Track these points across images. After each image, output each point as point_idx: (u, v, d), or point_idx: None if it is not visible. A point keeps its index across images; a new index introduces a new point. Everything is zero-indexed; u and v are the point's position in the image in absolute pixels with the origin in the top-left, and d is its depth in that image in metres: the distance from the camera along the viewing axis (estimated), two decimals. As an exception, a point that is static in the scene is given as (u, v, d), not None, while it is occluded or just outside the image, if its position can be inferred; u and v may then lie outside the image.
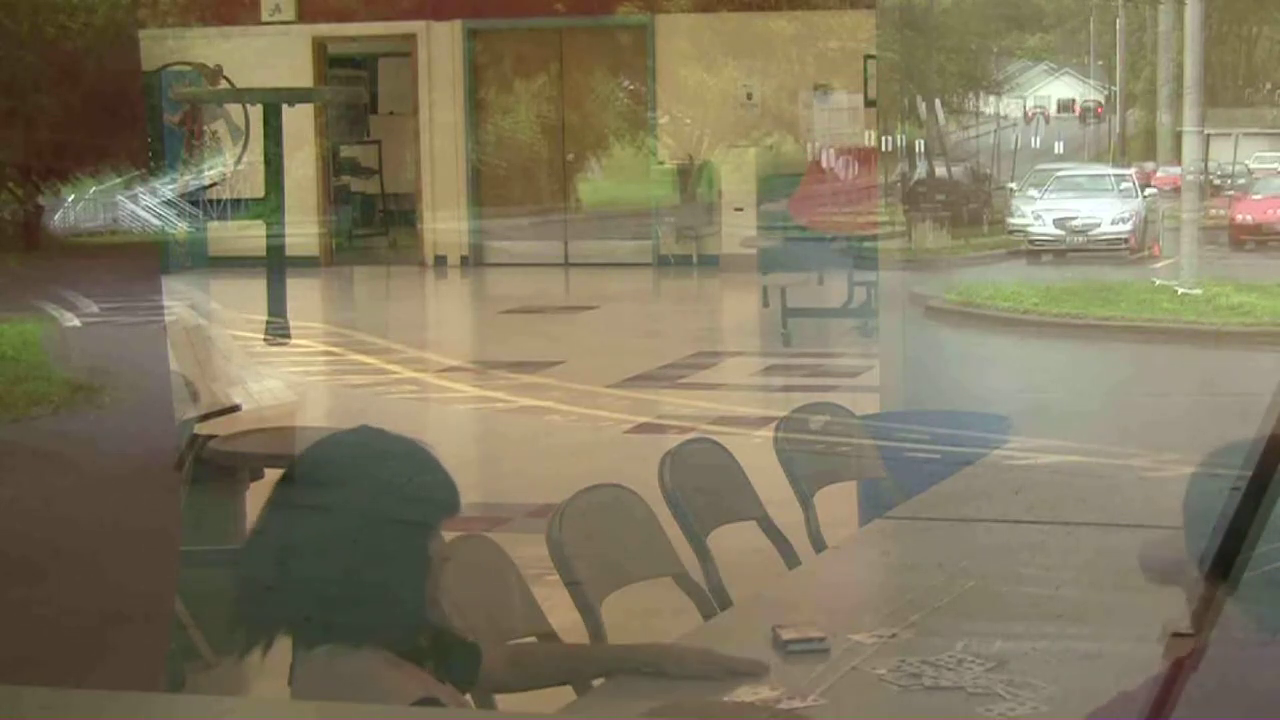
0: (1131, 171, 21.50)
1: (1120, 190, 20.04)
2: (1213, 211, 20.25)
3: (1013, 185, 21.92)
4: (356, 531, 2.72)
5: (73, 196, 11.61)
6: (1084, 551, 4.14)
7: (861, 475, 5.31)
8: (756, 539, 4.56)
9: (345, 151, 20.50)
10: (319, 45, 19.08)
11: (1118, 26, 25.62)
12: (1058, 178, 20.66)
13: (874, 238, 16.43)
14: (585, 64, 19.71)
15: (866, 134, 18.80)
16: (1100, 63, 26.79)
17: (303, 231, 17.27)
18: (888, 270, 15.22)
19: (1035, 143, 26.12)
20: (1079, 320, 14.45)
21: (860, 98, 18.31)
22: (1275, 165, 22.77)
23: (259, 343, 9.11)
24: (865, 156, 18.15)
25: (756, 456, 4.98)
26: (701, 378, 12.07)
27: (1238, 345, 13.48)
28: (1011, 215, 20.43)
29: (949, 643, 3.32)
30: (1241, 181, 22.42)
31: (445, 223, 18.99)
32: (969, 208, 21.20)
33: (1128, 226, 19.32)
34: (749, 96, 18.88)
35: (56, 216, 11.73)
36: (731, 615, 3.86)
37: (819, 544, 4.58)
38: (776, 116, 19.10)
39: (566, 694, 3.22)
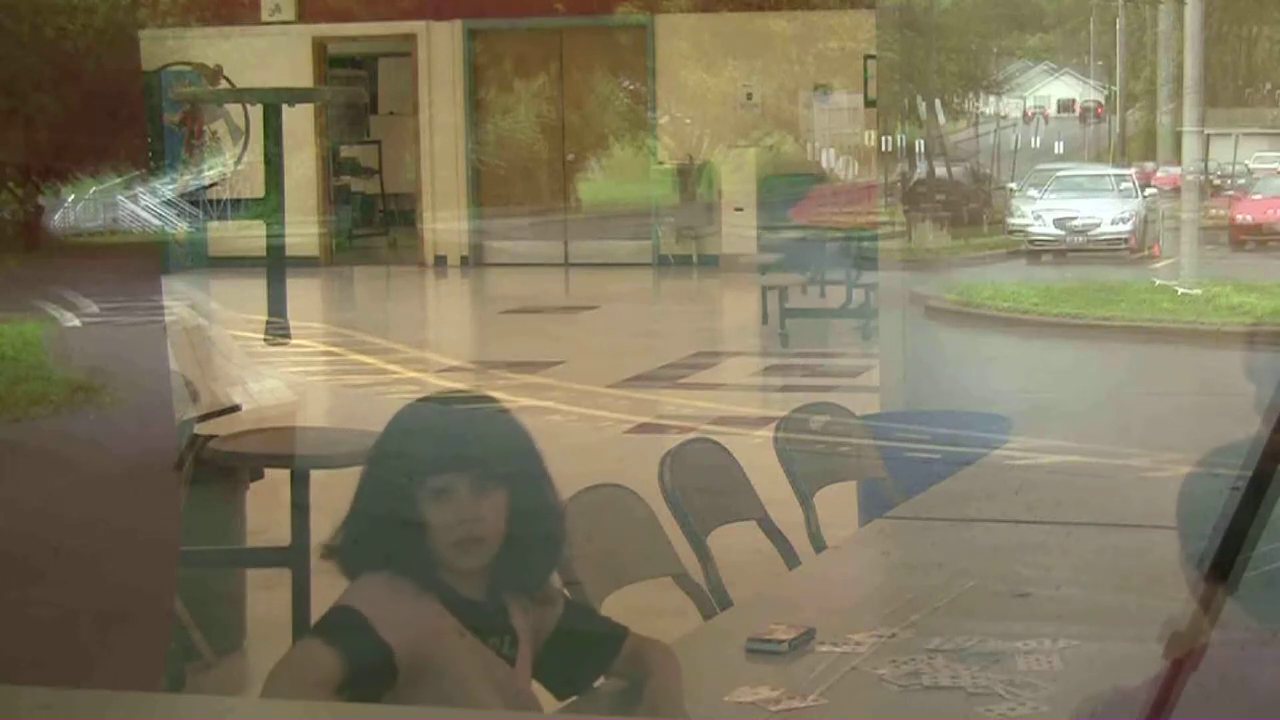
0: (1131, 171, 21.49)
1: (1120, 190, 20.03)
2: (1213, 211, 20.25)
3: (1013, 185, 21.92)
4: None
5: (73, 196, 11.61)
6: (1084, 551, 4.14)
7: (861, 475, 5.31)
8: (756, 539, 4.56)
9: (345, 151, 20.50)
10: (319, 45, 19.08)
11: (1118, 26, 25.61)
12: (1058, 178, 20.65)
13: (874, 238, 16.42)
14: (585, 64, 19.71)
15: (866, 134, 18.81)
16: (1100, 63, 26.78)
17: (303, 231, 17.27)
18: (888, 270, 15.22)
19: (1035, 143, 26.11)
20: (1079, 320, 14.45)
21: (860, 98, 18.31)
22: (1275, 165, 22.76)
23: (259, 343, 9.10)
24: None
25: (756, 456, 4.98)
26: (701, 378, 12.07)
27: (1238, 345, 13.47)
28: (1011, 215, 20.43)
29: (949, 643, 3.32)
30: (1241, 181, 22.42)
31: (445, 223, 18.99)
32: (969, 208, 21.20)
33: (1128, 226, 19.31)
34: (749, 96, 18.88)
35: (56, 216, 11.73)
36: (731, 615, 3.86)
37: (819, 544, 4.58)
38: (776, 116, 19.10)
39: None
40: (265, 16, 18.53)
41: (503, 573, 2.94)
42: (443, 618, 2.87)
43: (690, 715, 3.06)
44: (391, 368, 12.34)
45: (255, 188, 7.32)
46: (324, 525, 4.96)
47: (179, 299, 10.53)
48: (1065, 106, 27.25)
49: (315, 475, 5.13)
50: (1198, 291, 15.52)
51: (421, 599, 2.86)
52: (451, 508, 2.88)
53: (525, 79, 19.64)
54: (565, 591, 3.21)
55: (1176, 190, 19.15)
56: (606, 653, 3.09)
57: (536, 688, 3.07)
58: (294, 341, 7.64)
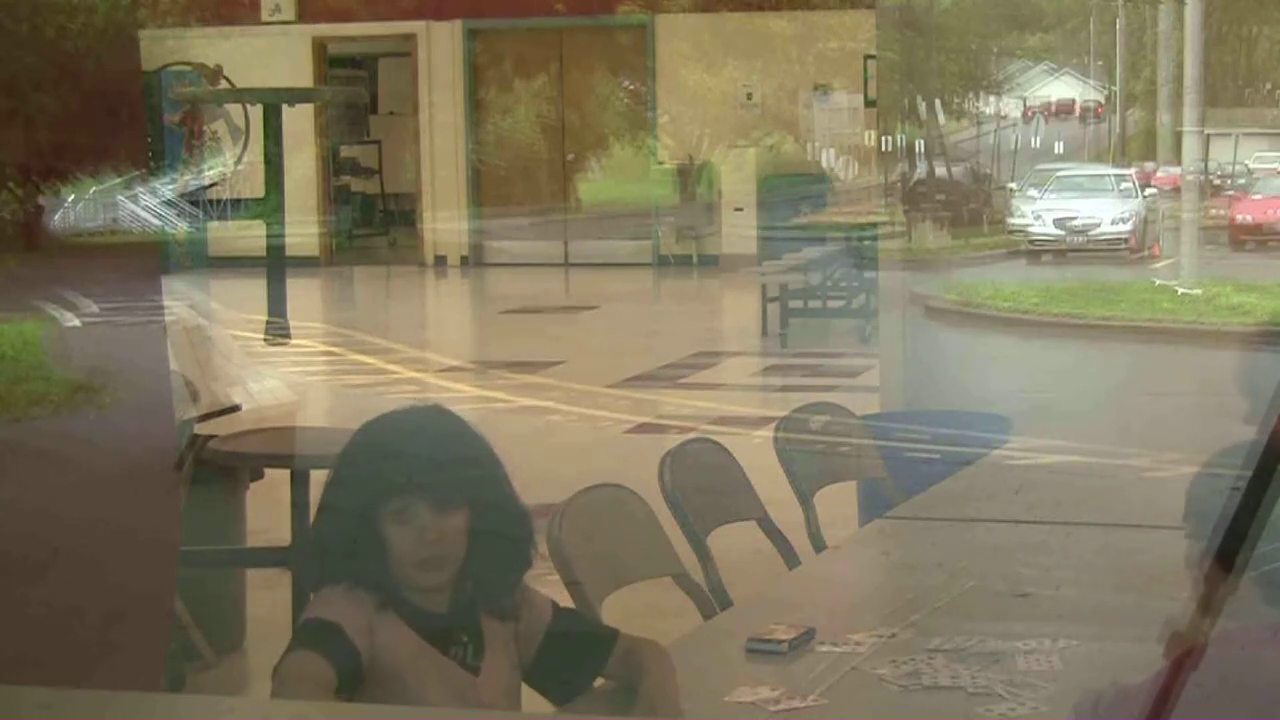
0: (1131, 171, 21.48)
1: (1120, 190, 20.03)
2: (1213, 211, 20.24)
3: (1013, 185, 21.91)
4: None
5: (73, 196, 11.60)
6: (1084, 551, 4.14)
7: (861, 475, 5.31)
8: (756, 539, 4.56)
9: (345, 151, 20.50)
10: (319, 45, 19.08)
11: (1118, 26, 25.60)
12: (1058, 178, 20.65)
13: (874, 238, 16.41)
14: (585, 64, 19.71)
15: (866, 134, 18.80)
16: (1100, 63, 26.77)
17: (303, 231, 17.27)
18: (888, 270, 15.22)
19: (1035, 143, 26.11)
20: (1079, 320, 14.45)
21: (860, 98, 18.31)
22: (1275, 165, 22.76)
23: (259, 343, 9.10)
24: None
25: (756, 456, 4.98)
26: (701, 378, 12.07)
27: (1238, 346, 13.47)
28: (1011, 215, 20.43)
29: (949, 643, 3.32)
30: (1241, 181, 22.41)
31: (445, 223, 18.99)
32: (969, 208, 21.20)
33: (1128, 226, 19.31)
34: (749, 96, 18.88)
35: (56, 216, 11.72)
36: (731, 615, 3.86)
37: (819, 544, 4.58)
38: (776, 116, 19.10)
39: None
40: (265, 16, 18.54)
41: (466, 585, 2.97)
42: (400, 629, 2.90)
43: (687, 713, 3.06)
44: (391, 368, 12.34)
45: (255, 188, 7.32)
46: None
47: (179, 299, 10.53)
48: (1065, 106, 27.25)
49: (315, 475, 5.13)
50: (1198, 291, 15.52)
51: (380, 611, 2.89)
52: (412, 529, 2.91)
53: (525, 79, 19.64)
54: (553, 598, 3.22)
55: (1176, 190, 19.15)
56: (599, 656, 3.10)
57: (533, 695, 3.09)
58: (294, 341, 7.65)
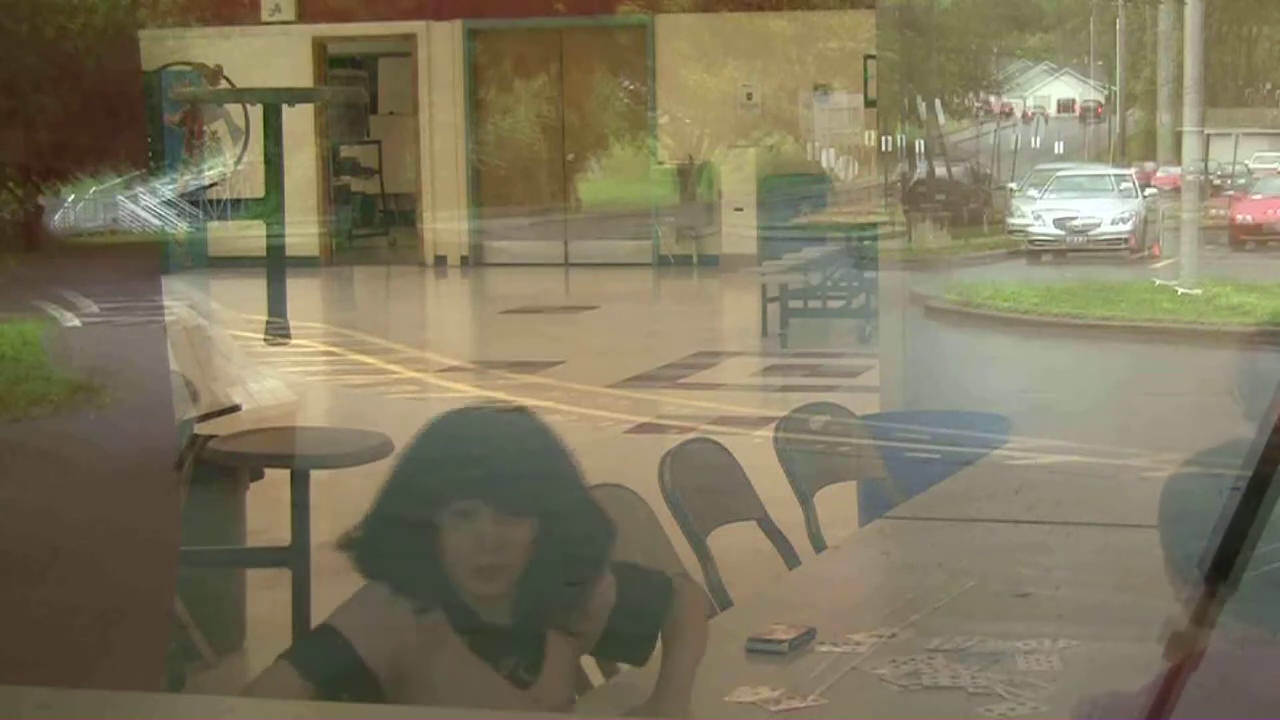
0: (1131, 171, 21.48)
1: (1120, 190, 20.03)
2: (1213, 211, 20.24)
3: (1013, 185, 21.91)
4: None
5: (73, 196, 11.60)
6: (1084, 551, 4.15)
7: (861, 475, 5.31)
8: (756, 539, 4.56)
9: (345, 151, 20.50)
10: (319, 45, 19.08)
11: (1118, 26, 25.59)
12: (1058, 178, 20.65)
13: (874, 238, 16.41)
14: (585, 64, 19.71)
15: (866, 134, 18.81)
16: (1100, 63, 26.77)
17: (303, 231, 17.27)
18: (888, 270, 15.22)
19: (1035, 143, 26.11)
20: (1079, 320, 14.44)
21: (860, 98, 18.31)
22: (1275, 165, 22.75)
23: (259, 343, 9.10)
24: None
25: (756, 456, 4.98)
26: (701, 378, 12.07)
27: (1238, 346, 13.45)
28: (1011, 215, 20.43)
29: (949, 643, 3.32)
30: (1241, 181, 22.41)
31: (445, 223, 18.99)
32: (969, 208, 21.19)
33: (1128, 226, 19.31)
34: (749, 96, 18.88)
35: (56, 216, 11.72)
36: (731, 615, 3.86)
37: (819, 544, 4.59)
38: (776, 116, 19.10)
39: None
40: (265, 16, 18.53)
41: (530, 597, 2.87)
42: (444, 636, 2.83)
43: (686, 716, 3.06)
44: (391, 368, 12.34)
45: (255, 188, 7.33)
46: (324, 525, 4.96)
47: (179, 299, 10.53)
48: (1066, 106, 27.24)
49: (315, 475, 5.14)
50: (1198, 291, 15.52)
51: (421, 616, 2.81)
52: (471, 535, 2.82)
53: (525, 79, 19.64)
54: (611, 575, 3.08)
55: (1176, 190, 19.14)
56: (658, 611, 3.05)
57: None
58: (294, 341, 7.65)
